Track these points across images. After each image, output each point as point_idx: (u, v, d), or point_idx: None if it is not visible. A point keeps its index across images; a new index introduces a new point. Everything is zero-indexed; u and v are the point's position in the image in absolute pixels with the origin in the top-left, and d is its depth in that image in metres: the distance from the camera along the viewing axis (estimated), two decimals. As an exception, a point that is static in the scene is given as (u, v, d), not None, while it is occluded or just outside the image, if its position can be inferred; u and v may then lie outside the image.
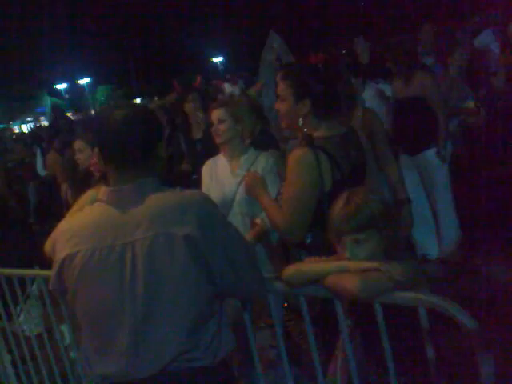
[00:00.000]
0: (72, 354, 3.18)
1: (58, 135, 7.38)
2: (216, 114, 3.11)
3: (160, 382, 1.62)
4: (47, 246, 1.81)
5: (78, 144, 3.78)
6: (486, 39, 6.46)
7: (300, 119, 2.32)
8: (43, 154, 7.90)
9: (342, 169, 2.24)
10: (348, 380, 1.92)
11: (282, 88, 2.37)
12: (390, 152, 3.76)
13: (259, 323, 3.64)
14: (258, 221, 2.97)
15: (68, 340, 3.26)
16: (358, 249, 1.85)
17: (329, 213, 1.92)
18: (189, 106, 4.84)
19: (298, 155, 2.26)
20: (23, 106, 35.70)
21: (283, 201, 2.30)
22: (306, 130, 2.33)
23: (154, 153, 1.72)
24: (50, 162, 6.86)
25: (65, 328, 3.27)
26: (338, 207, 1.88)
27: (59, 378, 3.07)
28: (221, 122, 3.09)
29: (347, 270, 1.79)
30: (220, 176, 3.15)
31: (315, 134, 2.30)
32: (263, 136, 3.40)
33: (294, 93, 2.32)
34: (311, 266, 1.92)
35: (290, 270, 1.94)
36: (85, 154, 3.68)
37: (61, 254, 1.67)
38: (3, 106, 36.21)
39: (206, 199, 1.73)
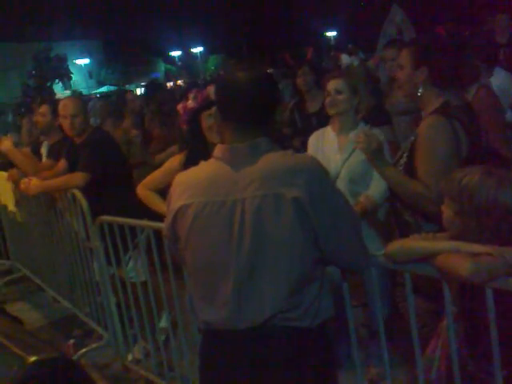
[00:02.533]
0: (162, 337, 3.35)
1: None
2: (333, 84, 3.03)
3: (258, 335, 1.67)
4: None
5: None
6: None
7: (419, 87, 2.30)
8: None
9: (473, 137, 2.19)
10: (446, 364, 1.87)
11: (402, 56, 2.37)
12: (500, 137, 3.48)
13: (352, 301, 3.61)
14: (362, 199, 2.92)
15: (163, 323, 3.44)
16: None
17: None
18: (300, 80, 4.76)
19: (433, 123, 2.24)
20: (140, 71, 37.52)
21: (423, 170, 2.23)
22: (423, 97, 2.32)
23: (272, 116, 1.75)
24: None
25: (164, 315, 3.44)
26: (474, 176, 1.78)
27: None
28: (338, 92, 3.01)
29: (458, 251, 1.72)
30: (326, 150, 3.08)
31: (439, 103, 2.27)
32: (377, 111, 3.31)
33: (412, 59, 2.32)
34: (418, 243, 1.86)
35: (395, 245, 1.90)
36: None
37: (176, 204, 1.76)
38: (122, 69, 38.25)
39: (318, 164, 1.73)
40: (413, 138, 2.32)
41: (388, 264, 1.94)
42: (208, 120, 2.95)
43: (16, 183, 4.34)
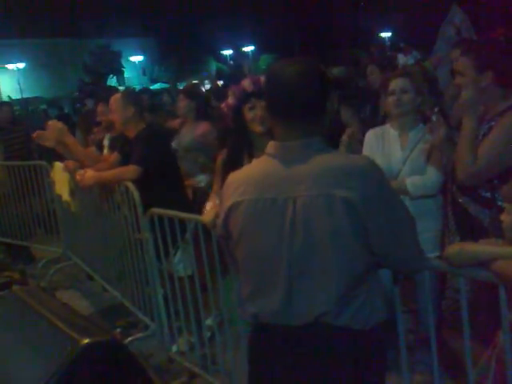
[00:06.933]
0: (207, 333, 3.37)
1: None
2: (398, 84, 2.97)
3: (308, 333, 1.65)
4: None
5: None
6: None
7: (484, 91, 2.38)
8: None
9: None
10: (502, 374, 1.80)
11: (461, 63, 2.44)
12: None
13: (401, 307, 3.54)
14: None
15: (209, 322, 3.46)
16: None
17: None
18: (370, 79, 4.78)
19: None
20: (192, 69, 38.00)
21: (484, 147, 2.39)
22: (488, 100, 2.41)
23: (323, 109, 1.70)
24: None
25: (210, 322, 3.46)
26: None
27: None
28: (404, 91, 2.95)
29: (519, 257, 1.66)
30: (387, 148, 3.04)
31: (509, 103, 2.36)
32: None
33: (475, 66, 2.37)
34: (479, 247, 1.81)
35: (455, 248, 1.86)
36: None
37: (228, 201, 1.75)
38: (175, 67, 38.88)
39: (373, 165, 1.68)
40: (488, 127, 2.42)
41: (442, 267, 1.90)
42: (250, 113, 2.95)
43: (72, 174, 4.46)
